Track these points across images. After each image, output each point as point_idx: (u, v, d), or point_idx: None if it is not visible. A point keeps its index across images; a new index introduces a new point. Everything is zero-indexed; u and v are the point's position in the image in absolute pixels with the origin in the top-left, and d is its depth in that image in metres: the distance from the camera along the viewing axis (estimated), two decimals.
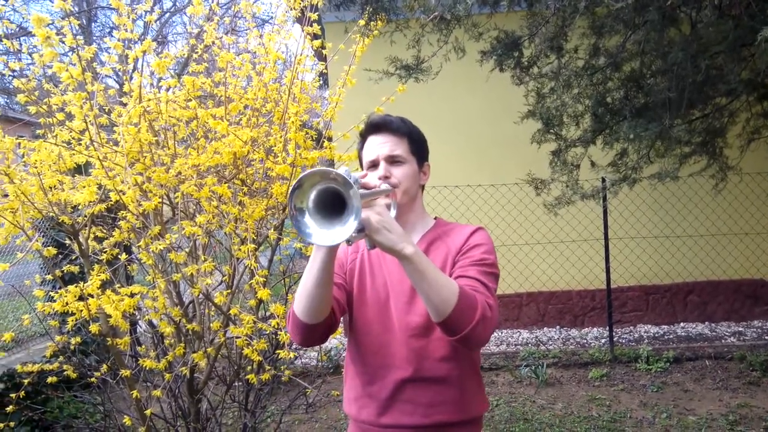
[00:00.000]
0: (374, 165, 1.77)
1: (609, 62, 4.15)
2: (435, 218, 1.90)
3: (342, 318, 1.81)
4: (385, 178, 1.73)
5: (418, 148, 1.82)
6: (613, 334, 6.33)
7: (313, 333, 1.63)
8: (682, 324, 7.19)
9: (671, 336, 6.81)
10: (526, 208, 6.55)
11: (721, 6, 3.62)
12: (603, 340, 6.67)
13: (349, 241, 1.27)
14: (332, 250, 1.46)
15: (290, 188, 1.28)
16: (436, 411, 1.69)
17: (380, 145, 1.77)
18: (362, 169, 1.84)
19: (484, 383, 1.89)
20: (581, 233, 6.80)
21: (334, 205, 1.26)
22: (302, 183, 1.26)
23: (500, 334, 7.15)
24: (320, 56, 5.21)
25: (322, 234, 1.27)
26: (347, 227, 1.22)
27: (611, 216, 6.38)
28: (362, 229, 1.35)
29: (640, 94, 4.23)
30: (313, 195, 1.28)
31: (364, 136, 1.83)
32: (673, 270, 7.06)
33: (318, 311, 1.57)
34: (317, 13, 2.71)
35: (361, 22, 2.92)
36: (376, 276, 1.79)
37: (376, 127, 1.79)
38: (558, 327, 7.28)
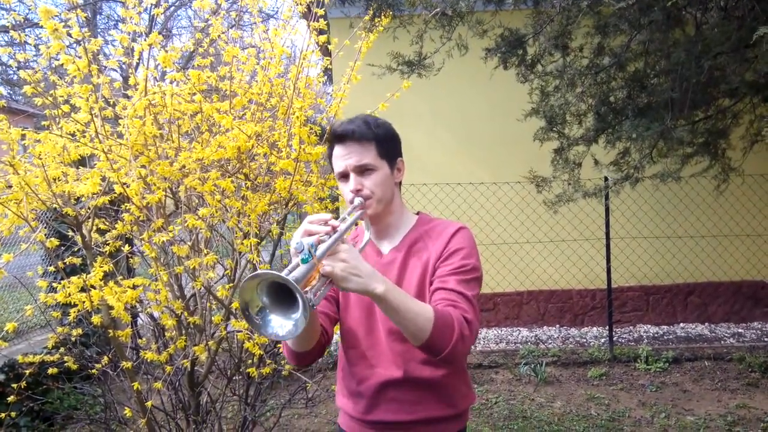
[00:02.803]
0: (344, 176, 1.72)
1: (613, 62, 4.14)
2: (417, 213, 1.88)
3: None
4: (357, 191, 1.69)
5: (388, 149, 1.75)
6: (613, 333, 6.34)
7: (307, 356, 1.71)
8: (681, 324, 7.19)
9: (671, 336, 6.82)
10: (528, 206, 6.55)
11: (726, 7, 3.62)
12: (603, 340, 6.67)
13: (313, 305, 1.30)
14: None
15: (242, 310, 1.30)
16: (422, 408, 1.72)
17: (346, 157, 1.70)
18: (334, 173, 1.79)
19: (470, 377, 1.91)
20: (582, 232, 6.80)
21: (284, 293, 1.27)
22: (243, 292, 1.28)
23: (500, 332, 7.16)
24: (325, 51, 5.21)
25: (285, 324, 1.29)
26: (301, 317, 1.25)
27: (613, 215, 6.38)
28: (330, 280, 1.38)
29: (643, 93, 4.23)
30: (263, 295, 1.29)
31: (329, 143, 1.77)
32: (673, 270, 7.06)
33: (307, 342, 1.66)
34: (323, 9, 2.71)
35: (366, 18, 2.92)
36: None
37: (339, 137, 1.72)
38: (558, 326, 7.28)
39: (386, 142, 1.75)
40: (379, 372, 1.73)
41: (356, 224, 1.69)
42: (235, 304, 2.67)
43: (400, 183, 1.86)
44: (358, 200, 1.68)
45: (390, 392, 1.73)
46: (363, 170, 1.70)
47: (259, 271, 1.26)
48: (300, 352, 1.68)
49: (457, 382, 1.77)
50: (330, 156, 1.78)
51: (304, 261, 1.28)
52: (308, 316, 1.25)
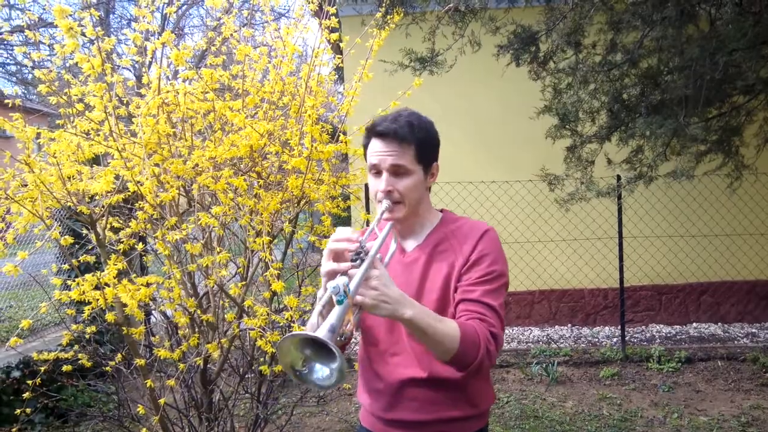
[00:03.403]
0: (377, 172, 1.70)
1: (626, 58, 4.11)
2: (441, 211, 1.86)
3: None
4: (388, 192, 1.66)
5: (426, 153, 1.71)
6: (625, 333, 6.30)
7: None
8: (694, 324, 7.14)
9: (683, 336, 6.77)
10: (540, 205, 6.52)
11: (742, 3, 3.58)
12: (615, 339, 6.64)
13: (351, 336, 1.35)
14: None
15: (290, 372, 1.32)
16: (443, 407, 1.70)
17: (384, 155, 1.66)
18: (365, 163, 1.78)
19: (491, 377, 1.89)
20: (595, 231, 6.77)
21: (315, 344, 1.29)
22: (285, 362, 1.30)
23: (511, 331, 7.14)
24: (337, 50, 5.22)
25: (328, 372, 1.30)
26: (340, 367, 1.27)
27: (625, 214, 6.34)
28: (360, 308, 1.39)
29: (656, 91, 4.20)
30: (300, 352, 1.31)
31: (369, 134, 1.73)
32: (686, 270, 7.01)
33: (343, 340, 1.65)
34: (335, 7, 2.71)
35: (378, 15, 2.92)
36: None
37: (380, 134, 1.68)
38: (570, 325, 7.25)
39: (426, 147, 1.71)
40: (400, 370, 1.71)
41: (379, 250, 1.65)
42: (248, 302, 2.67)
43: (430, 187, 1.83)
44: (386, 203, 1.66)
45: (411, 391, 1.71)
46: (398, 172, 1.67)
47: (293, 333, 1.28)
48: None
49: (479, 382, 1.76)
50: (366, 146, 1.76)
51: (339, 302, 1.29)
52: (345, 365, 1.27)
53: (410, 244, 1.80)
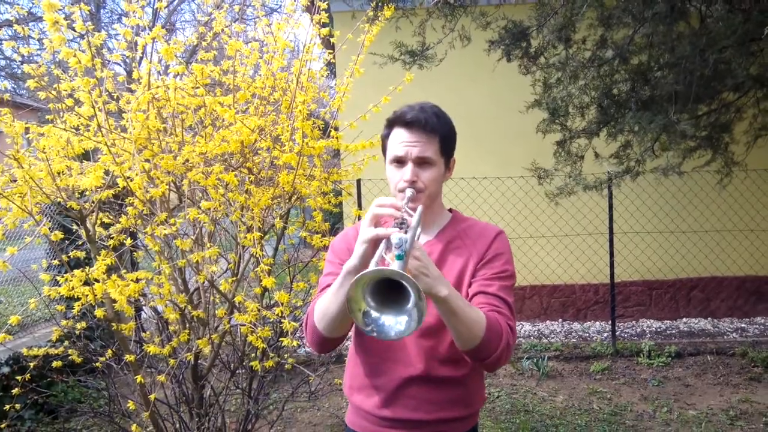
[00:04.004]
0: (400, 162, 1.68)
1: (616, 54, 4.12)
2: (450, 210, 1.87)
3: None
4: (413, 182, 1.65)
5: (448, 146, 1.72)
6: (616, 328, 6.34)
7: (334, 343, 1.68)
8: (684, 319, 7.19)
9: (673, 331, 6.82)
10: (531, 200, 6.54)
11: (731, 0, 3.60)
12: (605, 334, 6.68)
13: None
14: None
15: (349, 309, 1.28)
16: (440, 408, 1.69)
17: (411, 145, 1.65)
18: (383, 156, 1.77)
19: (485, 378, 1.90)
20: (586, 227, 6.80)
21: (387, 288, 1.26)
22: (352, 295, 1.26)
23: None
24: (328, 45, 5.20)
25: (401, 321, 1.28)
26: (416, 303, 1.23)
27: (616, 210, 6.37)
28: None
29: (646, 87, 4.21)
30: (367, 295, 1.28)
31: (392, 125, 1.71)
32: (677, 265, 7.05)
33: (341, 329, 1.63)
34: (326, 2, 2.71)
35: (370, 12, 2.92)
36: None
37: (408, 123, 1.66)
38: (560, 320, 7.29)
39: (449, 140, 1.72)
40: (402, 367, 1.69)
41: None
42: (238, 298, 2.67)
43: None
44: (410, 192, 1.64)
45: (411, 389, 1.69)
46: (423, 162, 1.66)
47: (364, 272, 1.24)
48: (329, 338, 1.64)
49: (476, 382, 1.76)
50: (386, 136, 1.73)
51: (399, 257, 1.27)
52: (425, 302, 1.23)
53: (422, 239, 1.79)
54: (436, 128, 1.66)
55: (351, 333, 1.85)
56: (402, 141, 1.66)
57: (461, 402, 1.72)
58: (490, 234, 1.72)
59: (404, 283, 1.21)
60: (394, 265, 1.24)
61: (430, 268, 1.40)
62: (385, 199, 1.49)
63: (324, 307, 1.59)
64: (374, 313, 1.29)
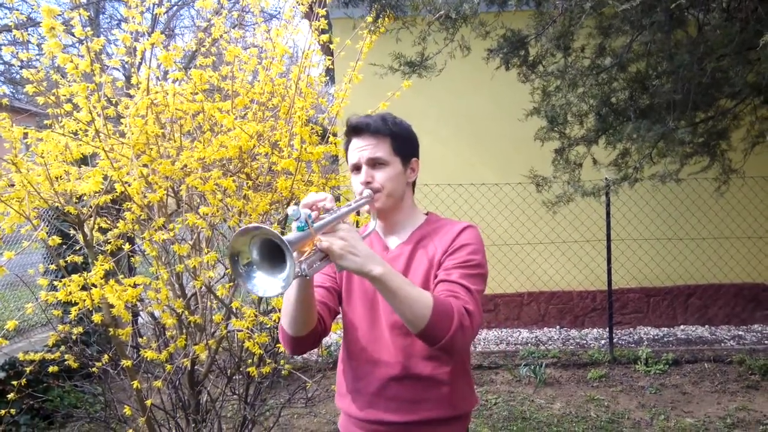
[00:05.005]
0: (357, 168, 1.75)
1: (615, 62, 4.14)
2: (427, 213, 1.89)
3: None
4: (367, 183, 1.72)
5: (403, 146, 1.77)
6: (613, 335, 6.33)
7: (302, 343, 1.69)
8: (682, 327, 7.19)
9: (671, 338, 6.81)
10: (529, 207, 6.55)
11: (729, 9, 3.62)
12: (603, 341, 6.67)
13: (307, 275, 1.31)
14: (302, 280, 1.48)
15: (230, 259, 1.30)
16: (422, 408, 1.69)
17: (361, 149, 1.73)
18: (348, 167, 1.83)
19: (473, 379, 1.89)
20: (584, 234, 6.80)
21: (276, 251, 1.27)
22: (233, 247, 1.29)
23: (500, 333, 7.16)
24: (327, 51, 5.22)
25: (270, 283, 1.29)
26: (286, 273, 1.24)
27: (614, 217, 6.38)
28: (326, 257, 1.39)
29: (645, 95, 4.23)
30: (254, 250, 1.29)
31: (347, 136, 1.80)
32: (674, 272, 7.06)
33: (303, 325, 1.63)
34: (325, 9, 2.71)
35: (369, 19, 2.93)
36: None
37: (355, 129, 1.75)
38: (558, 327, 7.28)
39: (401, 140, 1.77)
40: (381, 368, 1.71)
41: (358, 212, 1.70)
42: (235, 304, 2.67)
43: (414, 183, 1.88)
44: (367, 192, 1.71)
45: (391, 389, 1.70)
46: (375, 163, 1.73)
47: (253, 224, 1.26)
48: (295, 337, 1.65)
49: (460, 382, 1.75)
50: (346, 150, 1.81)
51: (299, 229, 1.29)
52: (295, 280, 1.25)
53: (394, 242, 1.83)
54: (382, 129, 1.74)
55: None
56: (354, 148, 1.75)
57: (445, 402, 1.71)
58: (457, 228, 1.75)
59: (282, 247, 1.22)
60: (290, 235, 1.27)
61: (358, 247, 1.40)
62: (315, 195, 1.49)
63: (284, 303, 1.62)
64: (254, 268, 1.30)
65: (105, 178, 2.52)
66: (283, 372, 3.11)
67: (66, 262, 2.63)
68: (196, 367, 2.91)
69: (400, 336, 1.69)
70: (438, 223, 1.82)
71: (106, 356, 2.86)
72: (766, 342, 6.54)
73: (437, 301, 1.48)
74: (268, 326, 2.71)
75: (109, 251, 2.64)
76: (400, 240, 1.81)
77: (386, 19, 3.10)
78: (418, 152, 1.84)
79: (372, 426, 1.73)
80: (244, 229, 1.26)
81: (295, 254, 1.24)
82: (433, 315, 1.45)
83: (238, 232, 1.27)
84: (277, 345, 2.99)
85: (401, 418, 1.69)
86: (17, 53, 2.34)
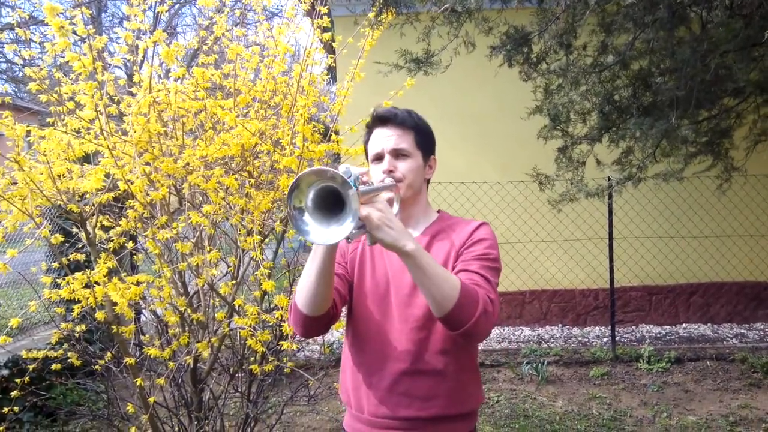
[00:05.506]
0: (379, 158, 1.77)
1: (617, 60, 4.13)
2: (438, 211, 1.90)
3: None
4: (390, 172, 1.73)
5: (424, 141, 1.81)
6: (616, 333, 6.33)
7: (315, 325, 1.66)
8: (684, 325, 7.19)
9: (673, 336, 6.81)
10: (532, 205, 6.55)
11: (732, 5, 3.60)
12: (605, 339, 6.67)
13: (348, 239, 1.28)
14: (333, 246, 1.47)
15: (288, 188, 1.28)
16: (433, 404, 1.68)
17: (385, 138, 1.76)
18: (367, 161, 1.85)
19: (481, 377, 1.89)
20: (586, 232, 6.80)
21: (333, 203, 1.26)
22: (300, 183, 1.27)
23: (502, 330, 7.16)
24: (329, 49, 5.22)
25: (321, 232, 1.28)
26: (344, 227, 1.24)
27: (616, 216, 6.38)
28: (363, 226, 1.36)
29: (647, 92, 4.22)
30: (311, 194, 1.28)
31: (370, 128, 1.83)
32: (677, 270, 7.05)
33: (319, 304, 1.60)
34: (327, 6, 2.71)
35: (371, 15, 2.92)
36: (377, 266, 1.79)
37: (382, 119, 1.78)
38: (560, 325, 7.28)
39: (424, 135, 1.81)
40: (392, 362, 1.69)
41: (390, 190, 1.68)
42: (238, 301, 2.67)
43: (429, 181, 1.90)
44: (389, 180, 1.71)
45: (402, 384, 1.68)
46: (398, 154, 1.75)
47: (331, 172, 1.24)
48: (309, 316, 1.62)
49: (470, 379, 1.75)
50: (367, 141, 1.84)
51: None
52: (354, 231, 1.24)
53: None
54: (408, 122, 1.78)
55: (344, 340, 1.86)
56: (379, 137, 1.78)
57: (453, 398, 1.70)
58: (474, 224, 1.77)
59: (342, 194, 1.22)
60: (351, 190, 1.24)
61: (394, 222, 1.39)
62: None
63: (302, 279, 1.59)
64: (306, 214, 1.29)
65: (107, 176, 2.52)
66: (285, 370, 3.11)
67: (69, 260, 2.63)
68: (198, 364, 2.91)
69: (415, 329, 1.68)
70: (451, 220, 1.84)
71: (108, 354, 2.86)
72: None
73: (464, 285, 1.47)
74: (270, 324, 2.71)
75: (111, 249, 2.64)
76: (415, 233, 1.80)
77: (388, 14, 3.09)
78: (435, 150, 1.88)
79: (384, 421, 1.71)
80: (318, 169, 1.25)
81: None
82: (460, 297, 1.44)
83: (312, 171, 1.25)
84: (280, 342, 2.99)
85: (413, 413, 1.68)
86: (20, 51, 2.34)
